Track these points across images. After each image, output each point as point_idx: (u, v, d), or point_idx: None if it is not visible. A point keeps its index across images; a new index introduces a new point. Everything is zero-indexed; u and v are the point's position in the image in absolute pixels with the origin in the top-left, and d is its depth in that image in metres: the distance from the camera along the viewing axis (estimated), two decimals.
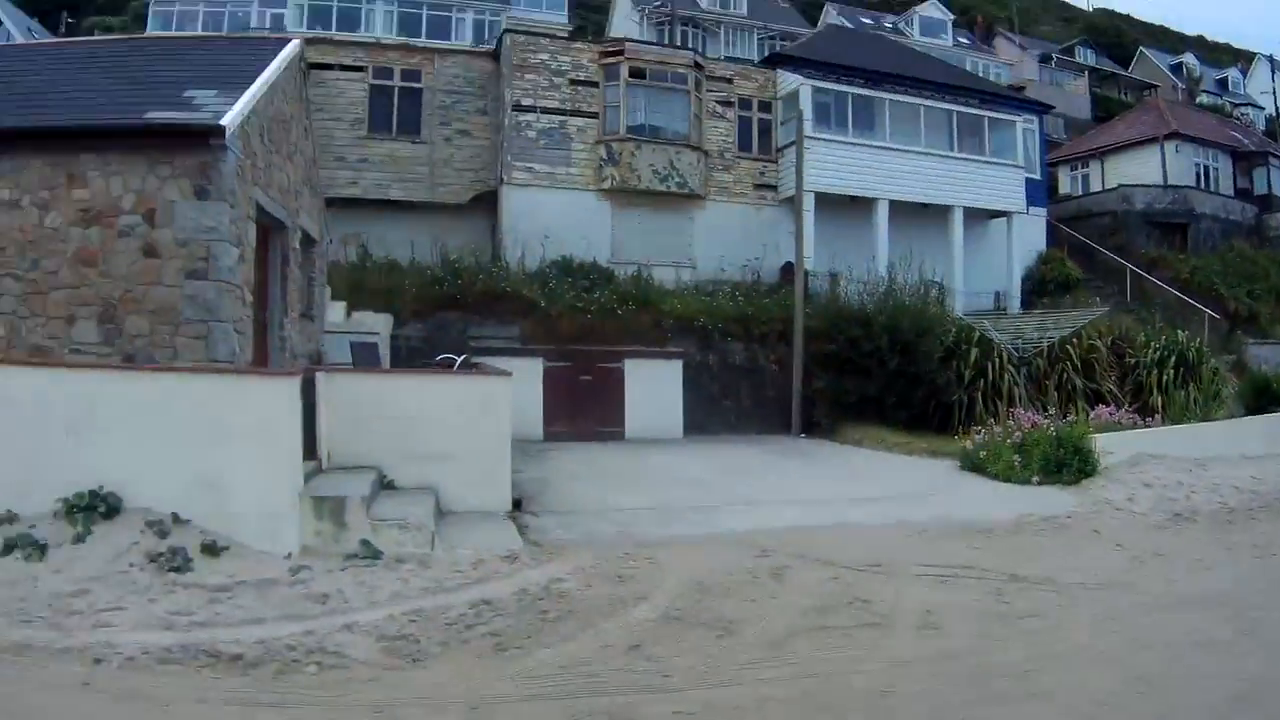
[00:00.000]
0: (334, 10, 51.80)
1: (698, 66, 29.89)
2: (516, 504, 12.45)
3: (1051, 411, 19.04)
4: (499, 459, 12.23)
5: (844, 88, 30.31)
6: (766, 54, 40.71)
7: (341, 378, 12.36)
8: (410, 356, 21.41)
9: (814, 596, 8.94)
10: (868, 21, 61.02)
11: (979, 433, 17.71)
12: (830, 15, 61.38)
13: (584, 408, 21.62)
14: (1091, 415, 18.69)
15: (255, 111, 12.84)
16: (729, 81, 30.88)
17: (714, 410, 23.45)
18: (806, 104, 28.93)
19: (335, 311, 20.97)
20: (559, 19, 55.52)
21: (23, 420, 9.00)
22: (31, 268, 11.13)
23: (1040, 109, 37.32)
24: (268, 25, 48.03)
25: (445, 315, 23.20)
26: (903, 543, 11.31)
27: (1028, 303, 30.52)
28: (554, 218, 26.81)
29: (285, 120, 15.47)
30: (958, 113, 31.66)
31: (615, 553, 10.31)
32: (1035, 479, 15.42)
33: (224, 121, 11.39)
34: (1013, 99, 36.51)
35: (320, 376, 11.76)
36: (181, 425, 9.23)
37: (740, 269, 27.88)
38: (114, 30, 43.12)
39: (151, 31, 44.44)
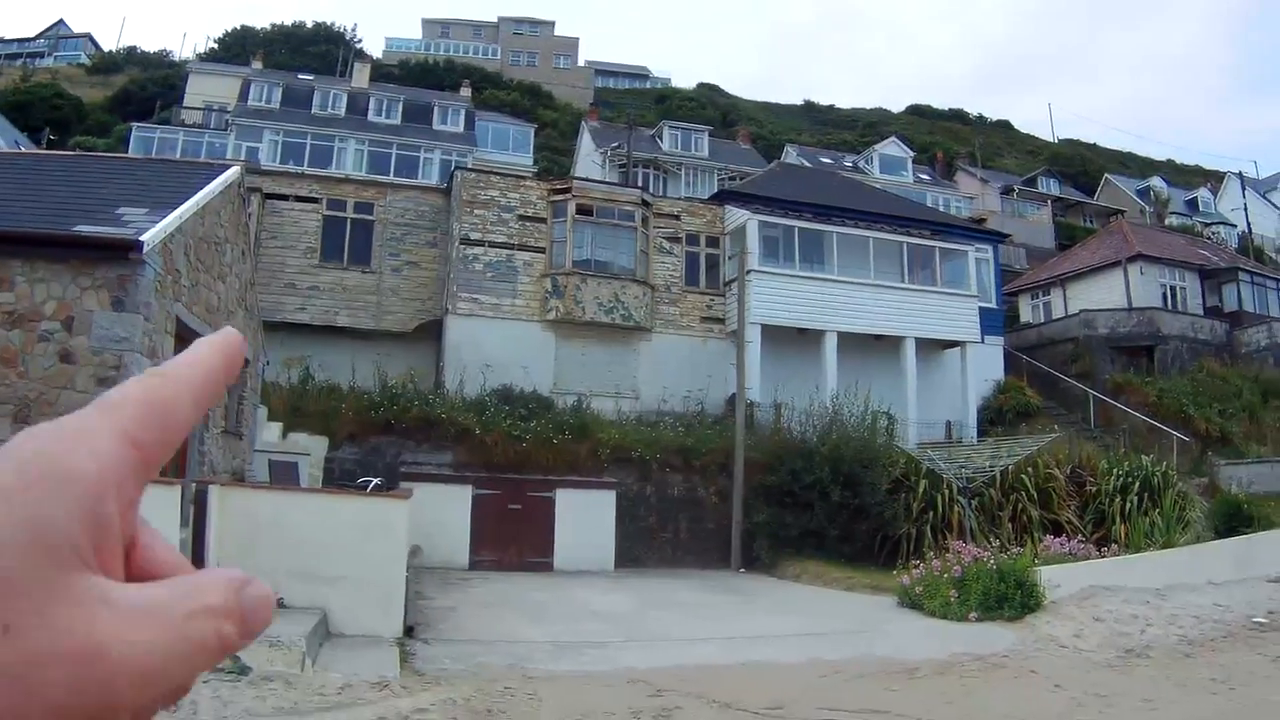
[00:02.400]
0: (307, 147, 52.70)
1: (645, 204, 30.13)
2: (409, 630, 11.98)
3: (995, 544, 18.19)
4: (392, 583, 11.97)
5: (791, 222, 30.26)
6: None
7: (237, 493, 12.36)
8: (343, 478, 20.94)
9: None
10: (827, 161, 61.65)
11: (918, 567, 16.82)
12: (790, 156, 62.07)
13: (513, 536, 20.94)
14: (1043, 546, 17.96)
15: (181, 230, 13.41)
16: (676, 218, 31.07)
17: (650, 543, 22.84)
18: (753, 238, 28.86)
19: (271, 432, 20.96)
20: (524, 161, 56.46)
21: None
22: None
23: (995, 238, 37.39)
24: (243, 157, 48.72)
25: (380, 439, 22.92)
26: (815, 683, 10.51)
27: (984, 432, 29.83)
28: (497, 347, 26.74)
29: (218, 242, 15.97)
30: (908, 244, 31.54)
31: (496, 686, 9.65)
32: (973, 615, 14.54)
33: (143, 238, 11.84)
34: (965, 229, 36.55)
35: (213, 489, 11.75)
36: None
37: (683, 400, 27.47)
38: (96, 149, 43.35)
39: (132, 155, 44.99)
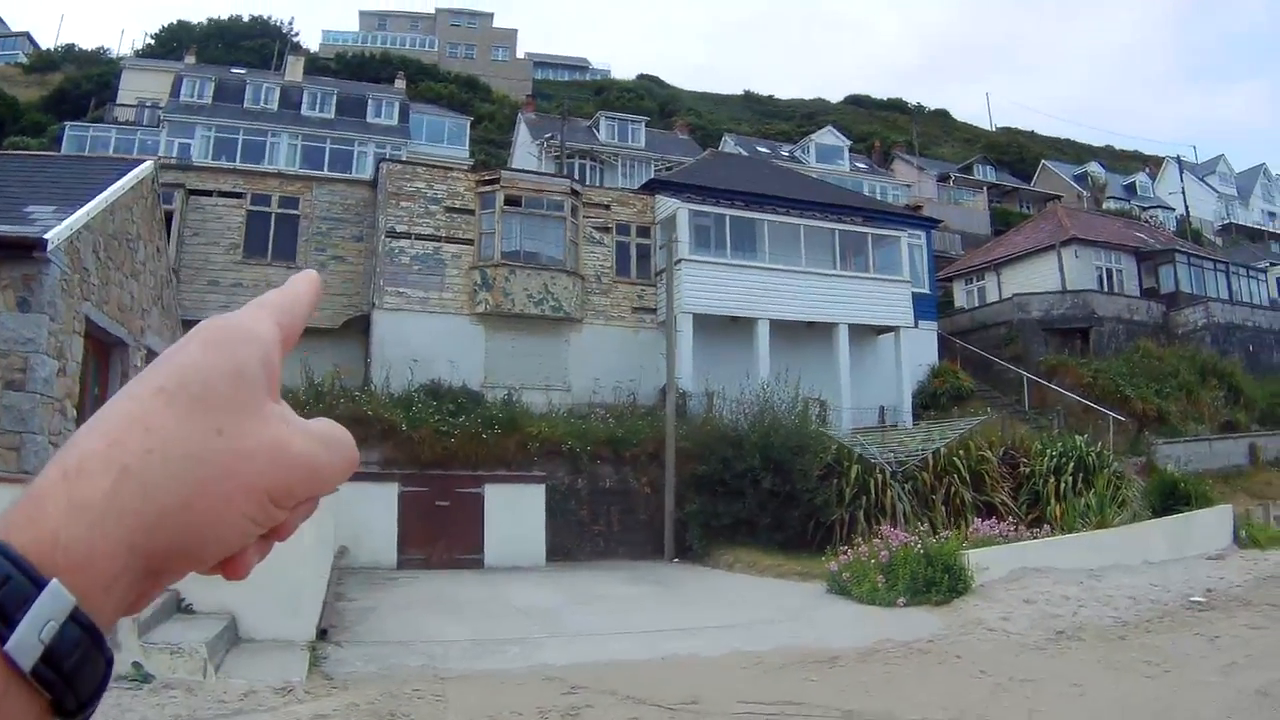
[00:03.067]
0: (239, 143, 52.19)
1: (574, 193, 29.69)
2: (322, 633, 11.67)
3: (924, 527, 18.02)
4: (301, 585, 11.58)
5: (722, 210, 29.90)
6: None
7: None
8: None
9: None
10: (764, 150, 61.60)
11: (845, 554, 16.54)
12: (728, 146, 61.91)
13: (441, 534, 20.62)
14: (972, 529, 17.82)
15: (89, 228, 13.25)
16: (607, 208, 30.74)
17: (583, 535, 22.64)
18: (684, 227, 28.62)
19: None
20: (460, 153, 55.96)
21: None
22: None
23: (928, 224, 37.46)
24: (175, 153, 48.06)
25: None
26: (735, 676, 10.26)
27: (919, 416, 29.83)
28: (426, 341, 26.30)
29: (130, 239, 15.80)
30: (840, 231, 31.36)
31: (405, 688, 9.36)
32: (901, 600, 14.32)
33: (48, 235, 11.63)
34: (897, 215, 36.50)
35: None
36: None
37: (615, 391, 27.17)
38: (29, 150, 42.21)
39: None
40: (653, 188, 32.22)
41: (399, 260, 27.47)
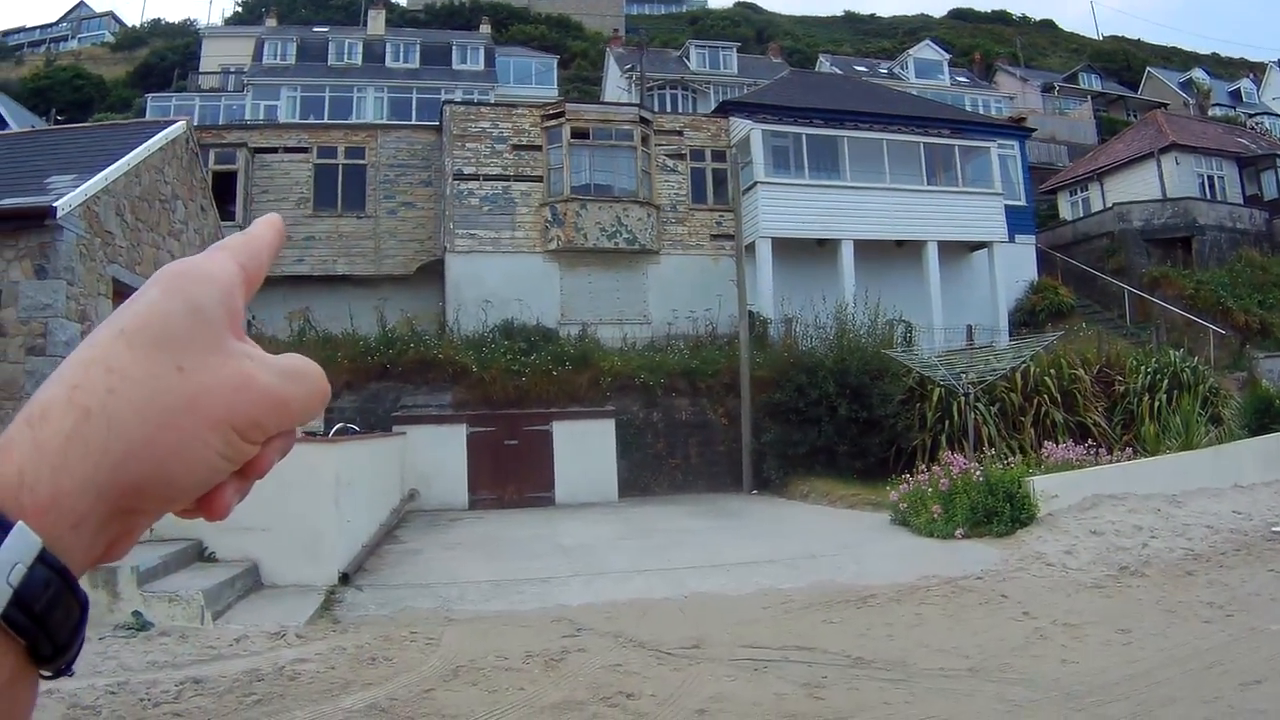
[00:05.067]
0: (325, 100, 51.98)
1: (643, 121, 28.92)
2: (344, 578, 11.67)
3: (990, 452, 17.07)
4: (320, 530, 11.71)
5: (799, 129, 28.88)
6: None
7: None
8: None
9: (572, 689, 7.41)
10: (861, 69, 59.89)
11: (905, 483, 15.75)
12: (824, 66, 60.43)
13: (511, 473, 20.68)
14: (1046, 453, 16.88)
15: (109, 191, 13.53)
16: (679, 134, 29.96)
17: (659, 469, 22.34)
18: (758, 148, 27.75)
19: None
20: (549, 93, 55.39)
21: None
22: None
23: (1021, 133, 35.82)
24: (261, 116, 48.35)
25: (379, 385, 22.48)
26: (752, 616, 9.73)
27: (1016, 335, 28.58)
28: (500, 282, 26.21)
29: (165, 199, 16.06)
30: (926, 144, 29.99)
31: (404, 630, 9.20)
32: (959, 532, 13.55)
33: (57, 203, 11.88)
34: (987, 125, 35.10)
35: None
36: None
37: (693, 321, 26.65)
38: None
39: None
40: (726, 110, 31.31)
41: (468, 202, 27.24)
